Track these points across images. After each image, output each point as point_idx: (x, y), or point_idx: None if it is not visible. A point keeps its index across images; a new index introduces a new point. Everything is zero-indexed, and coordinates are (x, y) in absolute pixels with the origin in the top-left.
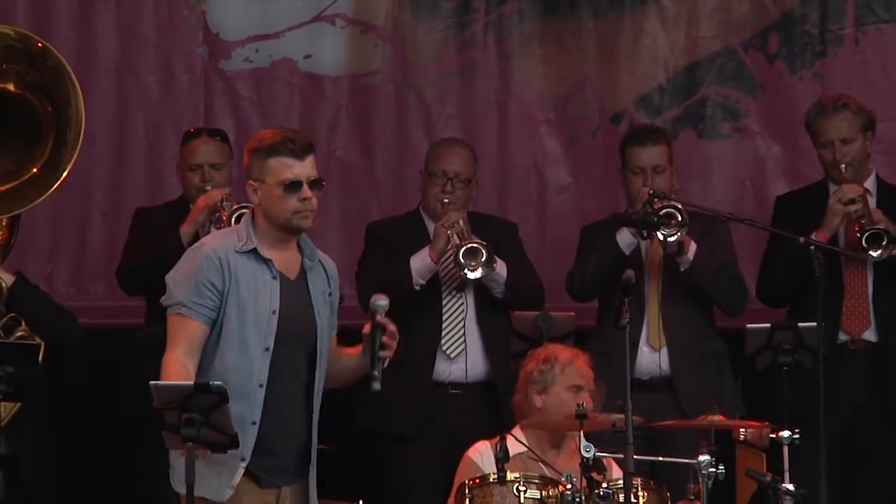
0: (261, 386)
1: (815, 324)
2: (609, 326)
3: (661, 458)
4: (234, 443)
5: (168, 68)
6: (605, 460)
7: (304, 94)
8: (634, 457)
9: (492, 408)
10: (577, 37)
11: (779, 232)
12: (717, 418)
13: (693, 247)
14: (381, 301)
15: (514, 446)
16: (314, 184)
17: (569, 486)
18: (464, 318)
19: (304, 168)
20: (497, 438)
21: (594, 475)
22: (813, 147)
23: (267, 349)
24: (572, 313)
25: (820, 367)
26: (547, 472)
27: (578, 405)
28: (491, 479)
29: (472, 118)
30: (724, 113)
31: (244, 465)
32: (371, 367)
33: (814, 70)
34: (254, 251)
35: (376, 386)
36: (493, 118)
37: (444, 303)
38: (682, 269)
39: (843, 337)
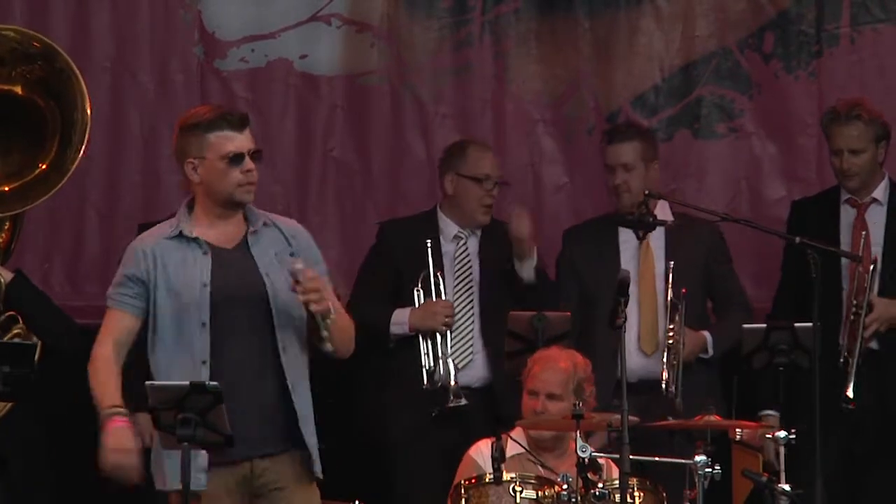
0: (204, 363)
1: (811, 324)
2: (597, 327)
3: (657, 459)
4: (229, 442)
5: (163, 68)
6: (602, 460)
7: (299, 94)
8: (630, 457)
9: (492, 411)
10: (573, 36)
11: (774, 232)
12: (714, 418)
13: (708, 340)
14: (297, 265)
15: (512, 448)
16: (255, 155)
17: (565, 487)
18: (473, 330)
19: (244, 141)
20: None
21: (590, 475)
22: (809, 146)
23: (203, 324)
24: (568, 313)
25: (816, 367)
26: (542, 471)
27: (574, 405)
28: (487, 480)
29: (468, 117)
30: (719, 112)
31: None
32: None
33: (810, 69)
34: (180, 234)
35: (326, 347)
36: (488, 117)
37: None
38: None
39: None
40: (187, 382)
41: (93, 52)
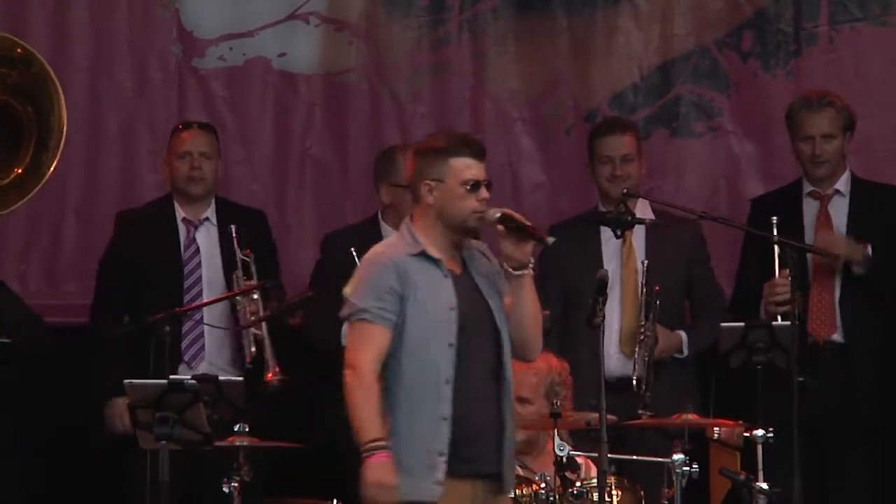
0: (447, 382)
1: (788, 323)
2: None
3: (635, 457)
4: (207, 441)
5: (142, 67)
6: (580, 459)
7: (277, 93)
8: (609, 455)
9: None
10: (551, 35)
11: (752, 231)
12: (691, 417)
13: (684, 340)
14: (493, 214)
15: None
16: (488, 186)
17: (543, 485)
18: None
19: (481, 170)
20: None
21: (568, 474)
22: (787, 145)
23: (450, 345)
24: (547, 311)
25: (794, 365)
26: (521, 471)
27: (553, 404)
28: None
29: (447, 116)
30: (697, 111)
31: (443, 459)
32: (535, 239)
33: (788, 68)
34: (423, 253)
35: (551, 240)
36: (467, 116)
37: None
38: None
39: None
40: (165, 380)
41: (71, 52)
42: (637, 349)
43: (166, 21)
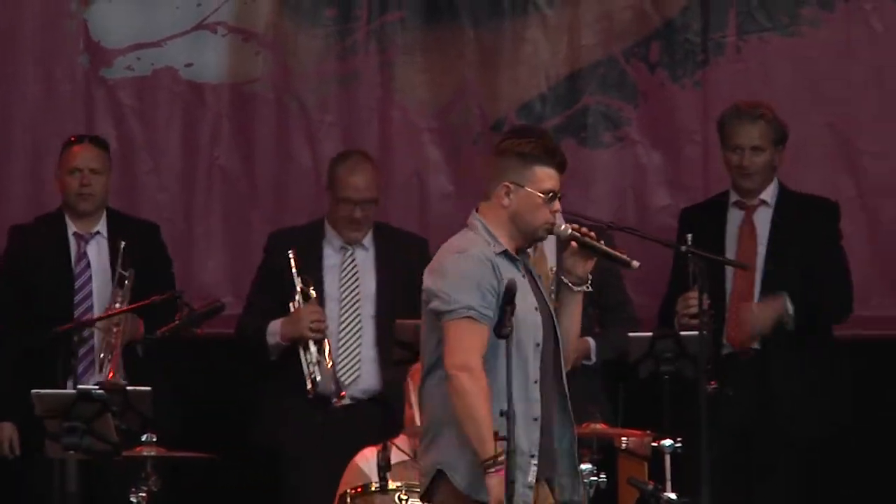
0: (535, 382)
1: (696, 332)
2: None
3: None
4: (117, 451)
5: (49, 77)
6: None
7: (185, 103)
8: None
9: (383, 420)
10: (459, 45)
11: (659, 240)
12: (600, 426)
13: (592, 346)
14: (566, 230)
15: (397, 455)
16: (560, 198)
17: None
18: (360, 340)
19: (558, 182)
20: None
21: None
22: (695, 155)
23: (538, 345)
24: None
25: (702, 375)
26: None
27: None
28: (373, 488)
29: (354, 126)
30: (605, 121)
31: (534, 461)
32: (616, 259)
33: (695, 79)
34: (506, 252)
35: (636, 263)
36: (374, 126)
37: (340, 325)
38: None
39: (727, 350)
40: (74, 390)
41: None
42: None
43: (73, 31)
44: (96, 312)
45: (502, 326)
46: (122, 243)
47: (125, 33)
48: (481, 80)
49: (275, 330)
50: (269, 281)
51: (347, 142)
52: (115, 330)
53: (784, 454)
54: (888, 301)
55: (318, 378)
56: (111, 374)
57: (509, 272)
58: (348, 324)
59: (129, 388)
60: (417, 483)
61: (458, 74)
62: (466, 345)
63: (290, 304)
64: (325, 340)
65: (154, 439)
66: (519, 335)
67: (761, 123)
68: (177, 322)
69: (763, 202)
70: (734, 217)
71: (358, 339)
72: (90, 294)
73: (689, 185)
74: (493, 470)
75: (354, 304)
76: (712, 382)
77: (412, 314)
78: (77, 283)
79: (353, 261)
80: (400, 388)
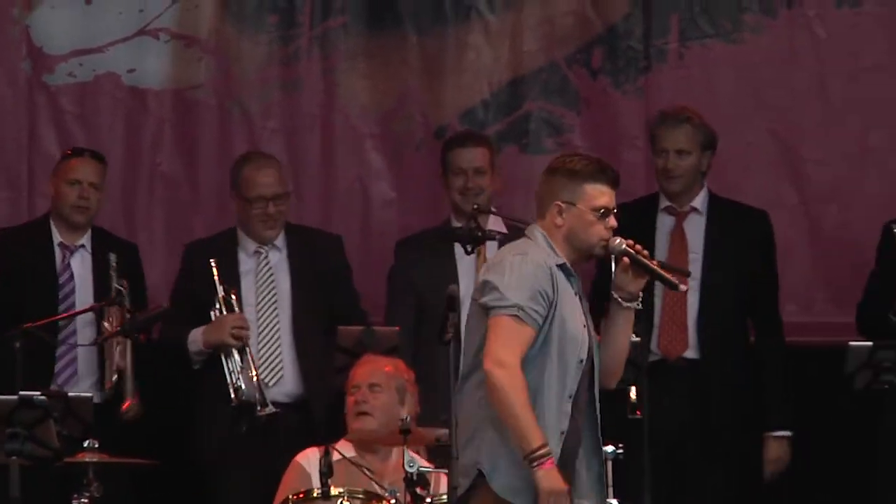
0: (570, 397)
1: (637, 339)
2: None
3: None
4: (58, 457)
5: None
6: (430, 475)
7: (127, 109)
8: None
9: (306, 425)
10: (402, 51)
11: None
12: None
13: None
14: (620, 245)
15: (338, 454)
16: (616, 214)
17: (393, 501)
18: (280, 344)
19: (612, 198)
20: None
21: (418, 490)
22: (637, 161)
23: (581, 361)
24: (397, 328)
25: (644, 381)
26: (372, 484)
27: (402, 420)
28: (315, 494)
29: (297, 132)
30: (547, 128)
31: None
32: (665, 283)
33: (637, 85)
34: (564, 265)
35: (683, 287)
36: (317, 132)
37: (259, 329)
38: None
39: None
40: (15, 396)
41: None
42: None
43: (16, 37)
44: (77, 324)
45: (444, 333)
46: (113, 255)
47: (67, 39)
48: (424, 86)
49: (196, 338)
50: (186, 292)
51: (290, 148)
52: (118, 348)
53: (718, 461)
54: (830, 308)
55: (242, 386)
56: (127, 404)
57: (565, 285)
58: (267, 326)
59: (70, 394)
60: (360, 490)
61: (401, 81)
62: (507, 341)
63: (212, 313)
64: (248, 348)
65: (96, 445)
66: (562, 345)
67: (687, 127)
68: (120, 328)
69: (694, 209)
70: (664, 223)
71: (277, 341)
72: (73, 305)
73: (631, 191)
74: (536, 464)
75: (272, 306)
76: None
77: (330, 312)
78: (61, 294)
79: (267, 263)
80: (325, 393)
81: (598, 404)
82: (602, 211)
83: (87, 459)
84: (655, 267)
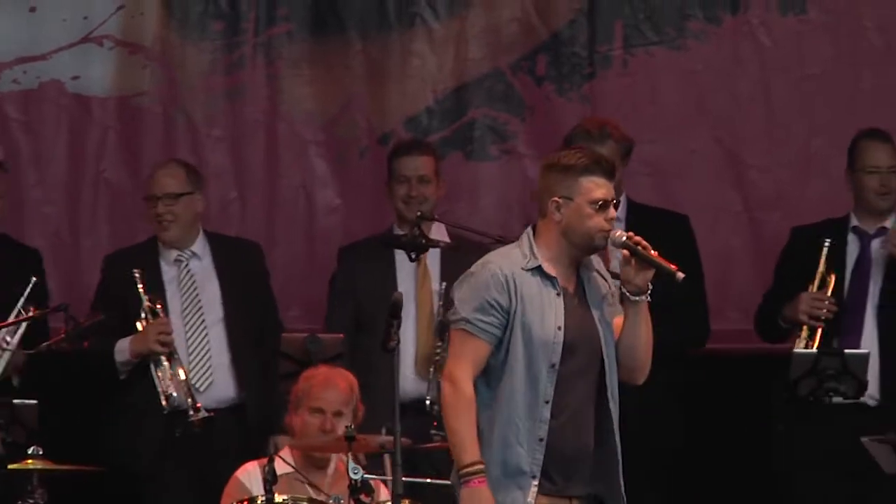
0: (546, 402)
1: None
2: (371, 349)
3: (429, 481)
4: (2, 464)
5: None
6: (373, 482)
7: (72, 116)
8: (403, 479)
9: (241, 432)
10: (346, 58)
11: None
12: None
13: None
14: (619, 237)
15: (281, 467)
16: (616, 205)
17: None
18: (208, 350)
19: (610, 189)
20: (266, 459)
21: (362, 497)
22: None
23: (553, 366)
24: (341, 335)
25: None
26: (314, 493)
27: (347, 427)
28: (259, 502)
29: (241, 139)
30: (492, 135)
31: (535, 482)
32: (663, 272)
33: (582, 92)
34: (539, 268)
35: (681, 275)
36: (261, 139)
37: (187, 336)
38: None
39: None
40: None
41: None
42: (432, 371)
43: None
44: None
45: (388, 340)
46: (33, 279)
47: (11, 46)
48: (368, 92)
49: (122, 347)
50: (108, 303)
51: (234, 155)
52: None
53: (647, 464)
54: None
55: (173, 393)
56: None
57: (533, 288)
58: (194, 332)
59: (15, 401)
60: (304, 497)
61: (345, 87)
62: (456, 356)
63: (138, 323)
64: (176, 355)
65: (40, 452)
66: (529, 353)
67: (610, 143)
68: (62, 336)
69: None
70: None
71: (206, 346)
72: None
73: None
74: (464, 480)
75: (196, 312)
76: None
77: (257, 317)
78: None
79: (188, 271)
80: (262, 397)
81: (611, 402)
82: (601, 203)
83: (31, 466)
84: (655, 258)
